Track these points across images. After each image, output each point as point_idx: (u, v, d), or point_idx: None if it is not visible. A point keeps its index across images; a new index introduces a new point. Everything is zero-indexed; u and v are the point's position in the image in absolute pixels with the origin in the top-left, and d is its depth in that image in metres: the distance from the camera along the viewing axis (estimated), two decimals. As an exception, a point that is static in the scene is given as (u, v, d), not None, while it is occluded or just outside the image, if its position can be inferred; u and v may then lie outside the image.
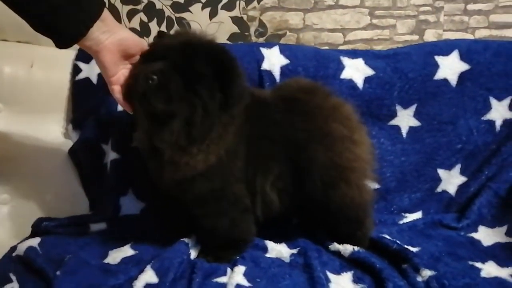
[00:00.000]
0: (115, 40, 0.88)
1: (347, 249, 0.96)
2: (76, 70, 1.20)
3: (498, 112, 1.18)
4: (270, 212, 0.97)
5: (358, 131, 0.98)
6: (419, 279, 0.86)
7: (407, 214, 1.17)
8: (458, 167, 1.19)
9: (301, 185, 0.94)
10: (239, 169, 0.92)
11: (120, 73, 0.90)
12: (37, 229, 1.08)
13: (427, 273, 0.86)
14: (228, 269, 0.91)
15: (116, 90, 0.90)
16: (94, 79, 1.19)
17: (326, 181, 0.93)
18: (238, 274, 0.87)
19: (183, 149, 0.87)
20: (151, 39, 1.36)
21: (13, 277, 0.90)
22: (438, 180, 1.19)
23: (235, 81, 0.88)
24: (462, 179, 1.19)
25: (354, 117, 1.00)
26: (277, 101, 0.97)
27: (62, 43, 0.86)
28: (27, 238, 1.04)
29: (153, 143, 0.88)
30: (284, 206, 0.97)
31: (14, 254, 0.97)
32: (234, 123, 0.90)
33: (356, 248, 0.96)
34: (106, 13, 0.87)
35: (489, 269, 0.91)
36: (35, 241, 1.00)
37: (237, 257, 0.94)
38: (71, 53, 1.21)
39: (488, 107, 1.19)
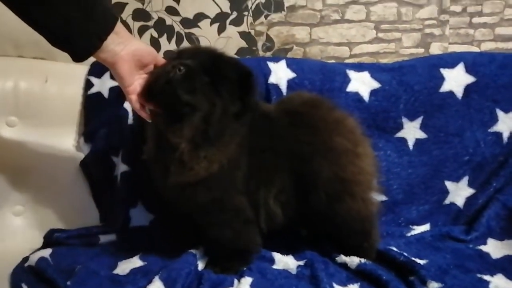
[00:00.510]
0: (130, 51, 0.90)
1: (354, 261, 0.96)
2: (88, 84, 1.23)
3: (505, 124, 1.18)
4: (273, 224, 0.98)
5: (362, 144, 0.99)
6: (426, 291, 0.86)
7: (415, 227, 1.17)
8: (465, 179, 1.19)
9: (306, 198, 0.95)
10: (240, 180, 0.93)
11: (136, 83, 0.92)
12: (49, 240, 1.10)
13: (434, 285, 0.86)
14: (235, 280, 0.91)
15: (134, 99, 0.92)
16: (106, 94, 1.22)
17: (330, 194, 0.94)
18: (244, 285, 0.88)
19: (196, 147, 0.88)
20: (161, 54, 1.40)
21: (25, 287, 0.92)
22: (445, 192, 1.19)
23: (254, 93, 0.93)
24: (470, 191, 1.19)
25: (357, 130, 1.00)
26: (281, 115, 0.99)
27: (78, 57, 0.89)
28: (39, 249, 1.06)
29: (169, 139, 0.89)
30: (288, 219, 0.98)
31: (26, 265, 0.99)
32: (239, 134, 0.92)
33: (363, 260, 0.96)
34: (119, 26, 0.90)
35: (498, 282, 0.90)
36: (46, 252, 1.02)
37: (244, 269, 0.95)
38: (83, 68, 1.25)
39: (495, 119, 1.19)
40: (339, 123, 0.99)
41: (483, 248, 1.06)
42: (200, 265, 0.96)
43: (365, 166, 0.98)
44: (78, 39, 0.86)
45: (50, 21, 0.84)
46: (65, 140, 1.22)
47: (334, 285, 0.89)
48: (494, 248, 1.05)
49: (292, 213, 0.97)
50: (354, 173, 0.95)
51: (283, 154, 0.95)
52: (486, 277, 0.92)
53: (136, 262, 0.98)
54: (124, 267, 0.96)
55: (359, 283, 0.90)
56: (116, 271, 0.95)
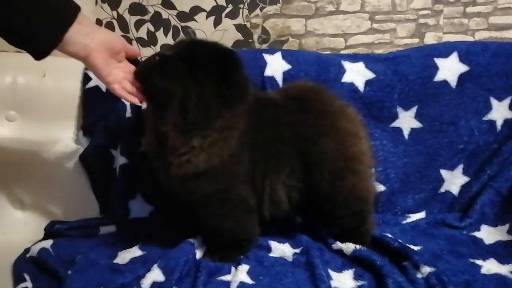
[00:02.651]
0: (100, 41, 0.88)
1: (349, 247, 0.98)
2: (86, 79, 1.24)
3: (498, 112, 1.19)
4: (278, 211, 1.00)
5: (363, 130, 1.05)
6: (419, 275, 0.87)
7: (410, 215, 1.18)
8: (460, 167, 1.20)
9: (310, 179, 0.98)
10: (243, 173, 0.95)
11: (114, 72, 0.91)
12: (50, 231, 1.11)
13: (426, 269, 0.87)
14: (232, 268, 0.93)
15: (117, 88, 0.91)
16: (103, 87, 1.22)
17: (334, 172, 0.98)
18: (241, 272, 0.90)
19: (182, 133, 0.89)
20: (158, 48, 1.42)
21: (27, 277, 0.94)
22: (441, 180, 1.21)
23: (237, 72, 0.92)
24: (464, 179, 1.20)
25: (358, 117, 1.06)
26: (288, 101, 1.01)
27: (38, 53, 0.84)
28: (40, 241, 1.08)
29: (159, 128, 0.91)
30: (293, 205, 1.00)
31: (27, 255, 1.01)
32: (238, 127, 0.93)
33: (358, 246, 0.98)
34: (82, 17, 0.86)
35: (490, 266, 0.92)
36: (47, 243, 1.04)
37: (241, 257, 0.97)
38: (81, 63, 1.25)
39: (488, 108, 1.20)
40: (343, 109, 1.04)
41: (477, 234, 1.08)
42: (198, 254, 0.98)
43: (366, 149, 1.03)
44: (36, 34, 0.81)
45: (5, 18, 0.80)
46: (64, 133, 1.23)
47: (330, 271, 0.91)
48: (487, 234, 1.07)
49: (298, 198, 1.00)
50: (357, 152, 1.00)
51: (292, 140, 0.97)
52: (478, 262, 0.94)
53: (135, 251, 1.00)
54: (124, 256, 0.98)
55: (354, 269, 0.92)
56: (116, 261, 0.97)
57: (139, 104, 0.95)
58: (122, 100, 1.19)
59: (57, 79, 1.25)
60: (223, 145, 0.91)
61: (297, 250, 1.00)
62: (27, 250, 1.03)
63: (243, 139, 0.93)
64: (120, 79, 0.92)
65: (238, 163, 0.94)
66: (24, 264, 0.98)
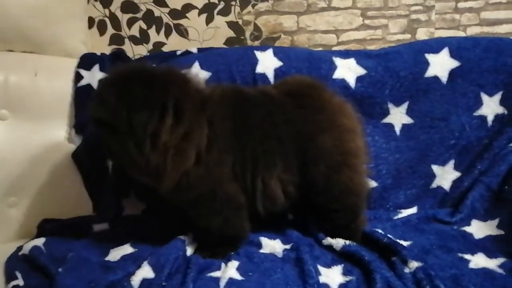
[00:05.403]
0: None
1: (339, 243, 0.98)
2: (78, 77, 1.25)
3: (489, 107, 1.19)
4: (275, 206, 1.01)
5: (360, 127, 1.07)
6: (406, 270, 0.87)
7: (402, 210, 1.19)
8: (451, 163, 1.20)
9: (307, 172, 0.99)
10: (228, 173, 0.96)
11: None
12: (42, 229, 1.12)
13: (414, 264, 0.88)
14: (222, 264, 0.93)
15: None
16: (95, 86, 1.23)
17: (331, 165, 0.99)
18: (231, 269, 0.90)
19: (144, 171, 0.94)
20: (150, 46, 1.42)
21: (19, 275, 0.94)
22: (432, 176, 1.21)
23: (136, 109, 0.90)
24: (456, 174, 1.20)
25: (355, 114, 1.08)
26: (286, 98, 1.02)
27: None
28: (32, 239, 1.08)
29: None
30: (290, 199, 1.01)
31: (20, 253, 1.01)
32: (194, 139, 0.92)
33: (347, 242, 0.98)
34: None
35: (478, 260, 0.92)
36: (40, 241, 1.05)
37: (232, 253, 0.97)
38: (73, 61, 1.26)
39: (479, 103, 1.20)
40: (342, 105, 1.06)
41: (467, 229, 1.08)
42: (189, 251, 0.98)
43: (362, 145, 1.05)
44: None
45: None
46: (57, 132, 1.24)
47: (319, 266, 0.91)
48: (477, 228, 1.07)
49: (294, 192, 1.00)
50: (354, 148, 1.02)
51: (288, 137, 0.98)
52: (467, 256, 0.94)
53: (127, 249, 1.01)
54: (115, 254, 0.99)
55: (343, 265, 0.93)
56: (107, 258, 0.98)
57: None
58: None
59: (49, 78, 1.26)
60: (179, 160, 0.92)
61: (288, 246, 1.01)
62: (19, 248, 1.04)
63: (220, 146, 0.94)
64: None
65: (221, 166, 0.95)
66: (16, 262, 0.99)
